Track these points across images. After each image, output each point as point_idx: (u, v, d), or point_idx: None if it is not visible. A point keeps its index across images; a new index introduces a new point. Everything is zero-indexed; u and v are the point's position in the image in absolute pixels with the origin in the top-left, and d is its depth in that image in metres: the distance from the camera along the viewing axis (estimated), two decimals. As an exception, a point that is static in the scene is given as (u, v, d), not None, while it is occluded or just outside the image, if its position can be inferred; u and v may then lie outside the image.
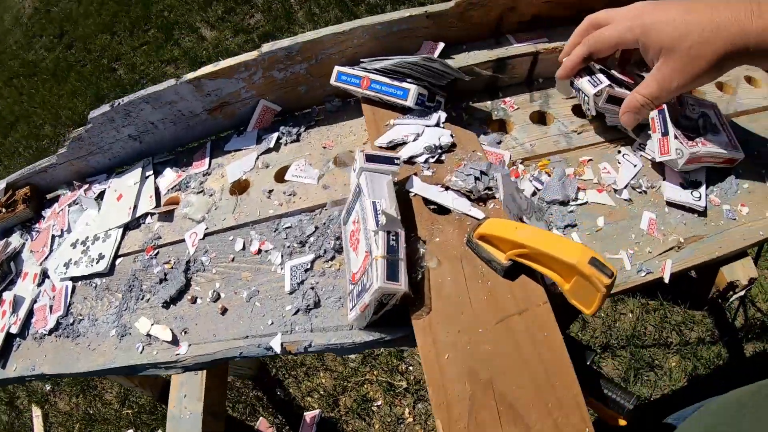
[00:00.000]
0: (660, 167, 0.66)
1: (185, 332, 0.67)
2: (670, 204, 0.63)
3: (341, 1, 2.42)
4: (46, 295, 0.86)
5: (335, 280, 0.61)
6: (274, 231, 0.68)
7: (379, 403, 1.50)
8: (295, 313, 0.60)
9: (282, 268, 0.64)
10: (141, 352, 0.69)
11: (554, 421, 0.43)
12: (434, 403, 0.45)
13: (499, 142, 0.70)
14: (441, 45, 0.75)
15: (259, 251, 0.67)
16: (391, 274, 0.47)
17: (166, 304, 0.71)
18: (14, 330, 0.83)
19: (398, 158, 0.55)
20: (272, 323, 0.61)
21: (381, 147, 0.63)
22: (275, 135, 0.78)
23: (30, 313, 0.86)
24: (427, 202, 0.56)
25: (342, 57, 0.75)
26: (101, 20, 3.11)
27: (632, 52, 0.62)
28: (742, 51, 0.49)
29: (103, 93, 2.70)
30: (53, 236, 0.95)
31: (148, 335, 0.70)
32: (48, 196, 1.04)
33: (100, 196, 0.92)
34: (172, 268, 0.73)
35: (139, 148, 0.89)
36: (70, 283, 0.84)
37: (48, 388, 2.08)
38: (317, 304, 0.60)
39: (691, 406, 0.75)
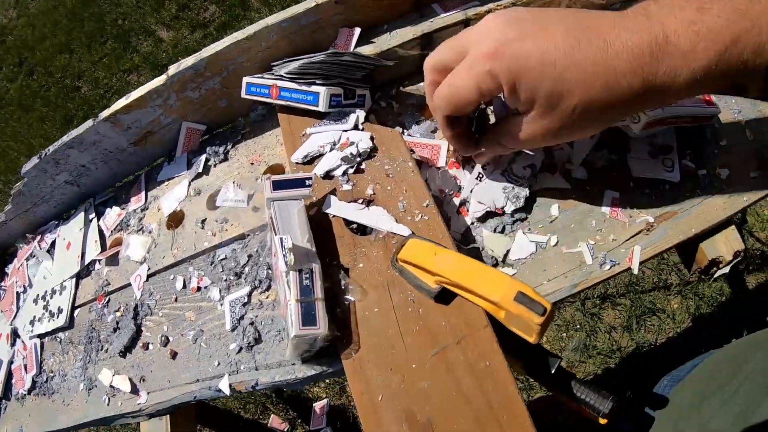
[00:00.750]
0: (622, 136, 0.56)
1: (143, 380, 0.65)
2: (639, 180, 0.55)
3: (295, -19, 2.30)
4: (20, 355, 0.86)
5: (273, 312, 0.57)
6: (211, 264, 0.64)
7: None
8: (239, 351, 0.57)
9: (221, 304, 0.61)
10: (108, 404, 0.68)
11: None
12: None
13: (434, 131, 0.64)
14: (357, 31, 0.68)
15: (198, 288, 0.64)
16: (307, 318, 0.43)
17: (122, 353, 0.69)
18: None
19: (310, 178, 0.50)
20: (219, 364, 0.58)
21: (297, 163, 0.58)
22: (203, 157, 0.73)
23: (9, 375, 0.85)
24: (348, 222, 0.52)
25: (254, 63, 0.69)
26: (57, 40, 3.02)
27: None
28: (655, 100, 0.38)
29: (71, 114, 2.65)
30: (17, 293, 0.94)
31: (111, 386, 0.68)
32: (9, 251, 1.03)
33: (53, 245, 0.89)
34: (122, 315, 0.71)
35: (78, 192, 0.86)
36: (38, 341, 0.83)
37: None
38: (258, 340, 0.56)
39: (685, 365, 0.71)
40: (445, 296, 0.45)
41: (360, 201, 0.52)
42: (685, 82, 0.35)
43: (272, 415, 1.52)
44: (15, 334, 0.89)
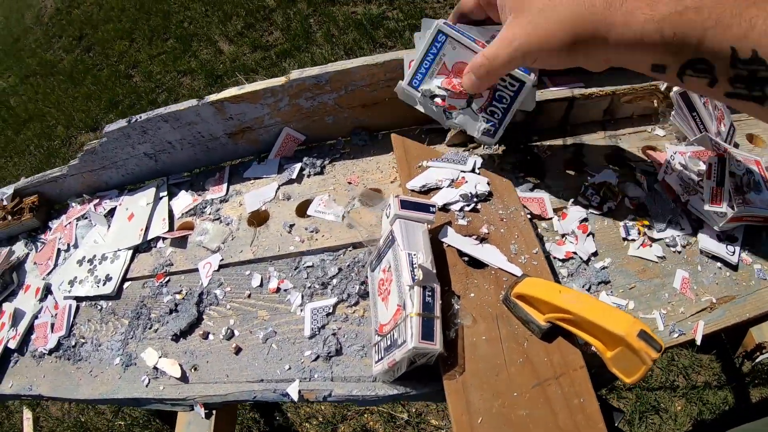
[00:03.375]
0: (697, 220, 0.63)
1: (195, 369, 0.63)
2: (704, 253, 0.61)
3: (360, 24, 2.40)
4: (48, 312, 0.82)
5: (359, 327, 0.56)
6: (295, 269, 0.64)
7: None
8: (315, 359, 0.56)
9: (302, 310, 0.60)
10: (147, 386, 0.64)
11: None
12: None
13: (532, 189, 0.66)
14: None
15: (278, 290, 0.63)
16: (426, 333, 0.43)
17: (176, 337, 0.66)
18: (12, 345, 0.79)
19: (434, 206, 0.51)
20: (290, 368, 0.57)
21: (413, 191, 0.59)
22: (298, 165, 0.74)
23: (30, 329, 0.81)
24: (461, 254, 0.52)
25: (373, 90, 0.71)
26: (121, 26, 3.09)
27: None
28: (598, 38, 0.41)
29: (118, 99, 2.67)
30: (59, 250, 0.91)
31: (155, 368, 0.65)
32: (56, 207, 1.00)
33: (110, 213, 0.87)
34: (183, 299, 0.69)
35: (154, 167, 0.85)
36: (74, 303, 0.79)
37: None
38: (339, 352, 0.55)
39: None
40: (550, 334, 0.47)
41: (474, 237, 0.53)
42: (636, 29, 0.38)
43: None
44: (47, 290, 0.85)
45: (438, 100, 0.60)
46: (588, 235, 0.61)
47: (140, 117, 0.76)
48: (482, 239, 0.53)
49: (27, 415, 1.98)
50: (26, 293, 0.87)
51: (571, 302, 0.43)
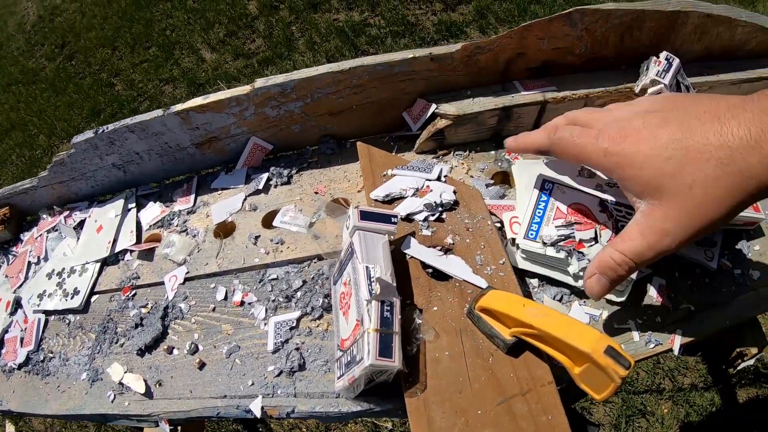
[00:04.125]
0: None
1: (159, 384, 0.62)
2: (681, 258, 0.58)
3: (342, 31, 2.40)
4: (18, 326, 0.81)
5: (323, 341, 0.55)
6: (259, 282, 0.62)
7: None
8: (278, 374, 0.55)
9: (265, 324, 0.59)
10: (112, 401, 0.63)
11: None
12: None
13: (503, 196, 0.65)
14: (433, 107, 0.69)
15: (242, 303, 0.62)
16: (384, 350, 0.41)
17: (141, 352, 0.65)
18: None
19: (396, 216, 0.50)
20: (253, 384, 0.55)
21: (377, 200, 0.58)
22: (265, 175, 0.73)
23: (0, 344, 0.80)
24: (425, 265, 0.51)
25: (339, 97, 0.70)
26: (103, 34, 3.06)
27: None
28: (762, 190, 0.34)
29: (100, 107, 2.65)
30: (29, 263, 0.89)
31: (121, 383, 0.64)
32: (28, 219, 0.99)
33: (80, 224, 0.86)
34: (149, 312, 0.67)
35: (122, 178, 0.84)
36: (42, 317, 0.78)
37: None
38: (302, 367, 0.54)
39: None
40: (516, 348, 0.45)
41: (439, 248, 0.52)
42: None
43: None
44: (17, 304, 0.84)
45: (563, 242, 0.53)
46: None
47: (107, 128, 0.75)
48: (447, 250, 0.52)
49: (10, 428, 1.95)
50: None
51: (536, 317, 0.42)
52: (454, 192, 0.57)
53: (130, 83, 2.68)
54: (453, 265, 0.50)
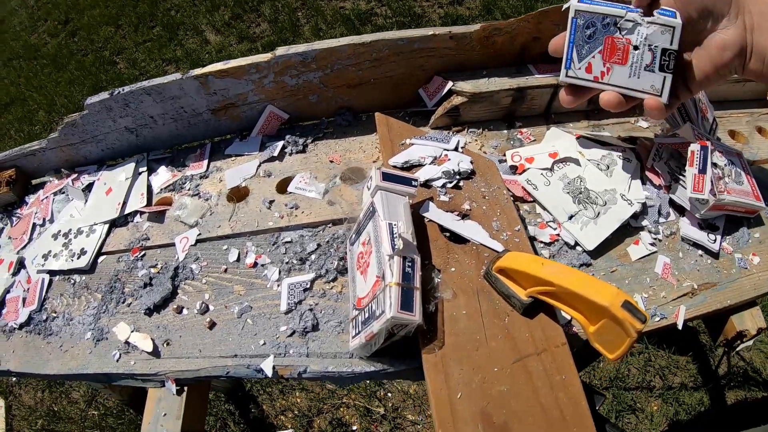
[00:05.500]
0: (679, 209, 0.64)
1: (167, 344, 0.61)
2: (685, 240, 0.62)
3: (348, 19, 2.40)
4: (21, 287, 0.80)
5: (336, 303, 0.56)
6: (273, 244, 0.63)
7: (354, 428, 1.43)
8: (291, 335, 0.55)
9: (279, 285, 0.59)
10: (117, 361, 0.63)
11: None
12: (442, 449, 0.40)
13: (514, 172, 0.66)
14: (449, 84, 0.71)
15: (255, 264, 0.62)
16: (405, 304, 0.42)
17: (149, 312, 0.65)
18: None
19: (416, 180, 0.51)
20: (264, 344, 0.56)
21: (395, 167, 0.58)
22: (280, 143, 0.73)
23: (1, 304, 0.79)
24: (442, 229, 0.52)
25: (358, 70, 0.71)
26: (107, 12, 3.04)
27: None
28: None
29: (102, 85, 2.62)
30: (34, 224, 0.88)
31: (127, 343, 0.63)
32: (33, 182, 0.98)
33: (88, 188, 0.85)
34: (158, 272, 0.67)
35: (134, 142, 0.84)
36: (47, 277, 0.77)
37: (14, 379, 1.97)
38: (315, 327, 0.54)
39: None
40: (532, 309, 0.46)
41: (456, 213, 0.52)
42: None
43: (231, 433, 1.42)
44: (21, 264, 0.83)
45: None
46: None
47: (122, 89, 0.75)
48: (464, 215, 0.53)
49: None
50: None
51: (555, 274, 0.43)
52: (471, 162, 0.58)
53: (133, 62, 2.66)
54: (470, 230, 0.51)
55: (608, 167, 0.63)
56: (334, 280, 0.57)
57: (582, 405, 0.42)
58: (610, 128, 0.73)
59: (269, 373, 0.53)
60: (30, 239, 0.86)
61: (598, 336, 0.42)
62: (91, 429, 1.69)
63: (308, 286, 0.57)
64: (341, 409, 1.45)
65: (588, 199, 0.61)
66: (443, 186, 0.56)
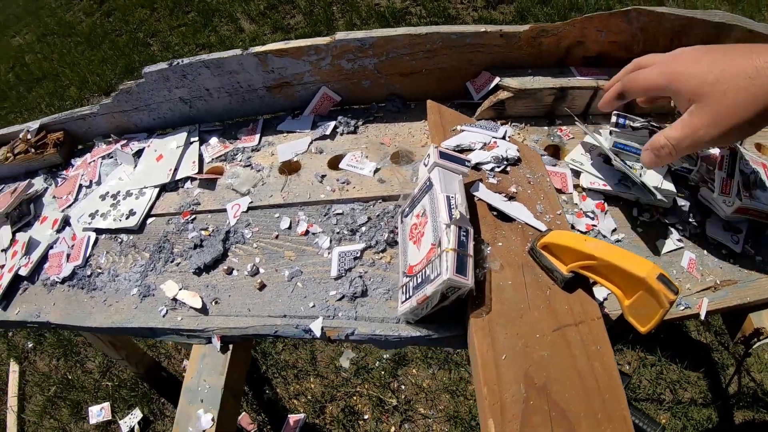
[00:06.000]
0: (705, 208, 0.68)
1: (216, 302, 0.65)
2: (710, 240, 0.66)
3: (383, 16, 2.46)
4: (65, 243, 0.84)
5: (385, 273, 0.60)
6: (324, 215, 0.67)
7: (366, 417, 1.47)
8: (340, 299, 0.59)
9: (329, 253, 0.63)
10: (164, 316, 0.67)
11: (603, 436, 0.42)
12: (488, 403, 0.44)
13: (554, 166, 0.70)
14: (496, 79, 0.75)
15: (307, 232, 0.66)
16: (460, 268, 0.46)
17: (198, 271, 0.69)
18: (24, 272, 0.81)
19: (468, 161, 0.55)
20: (314, 306, 0.60)
21: (447, 149, 0.62)
22: (332, 123, 0.78)
23: (44, 258, 0.83)
24: (491, 208, 0.56)
25: (412, 59, 0.75)
26: (144, -6, 3.13)
27: (660, 99, 0.63)
28: None
29: (134, 66, 2.70)
30: (80, 186, 0.93)
31: (174, 300, 0.67)
32: (80, 147, 1.02)
33: (137, 154, 0.90)
34: (209, 235, 0.71)
35: (187, 113, 0.88)
36: (93, 234, 0.82)
37: (30, 345, 2.02)
38: (364, 293, 0.59)
39: None
40: (571, 284, 0.51)
41: (503, 194, 0.56)
42: None
43: (243, 413, 1.46)
44: (65, 222, 0.87)
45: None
46: (606, 213, 0.65)
47: (182, 60, 0.79)
48: (510, 197, 0.57)
49: (14, 368, 1.98)
50: (42, 224, 0.89)
51: (597, 249, 0.47)
52: (518, 150, 0.62)
53: (167, 45, 2.74)
54: (517, 210, 0.55)
55: (642, 167, 0.68)
56: (383, 251, 0.61)
57: (614, 375, 0.46)
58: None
59: (318, 333, 0.57)
60: (76, 199, 0.90)
61: (633, 309, 0.46)
62: (103, 399, 1.73)
63: (358, 255, 0.61)
64: (354, 397, 1.49)
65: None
66: (492, 170, 0.60)
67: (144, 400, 1.69)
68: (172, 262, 0.72)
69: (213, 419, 0.63)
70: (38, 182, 0.99)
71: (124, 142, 0.93)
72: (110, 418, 1.73)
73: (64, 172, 0.98)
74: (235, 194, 0.75)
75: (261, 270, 0.65)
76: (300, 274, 0.63)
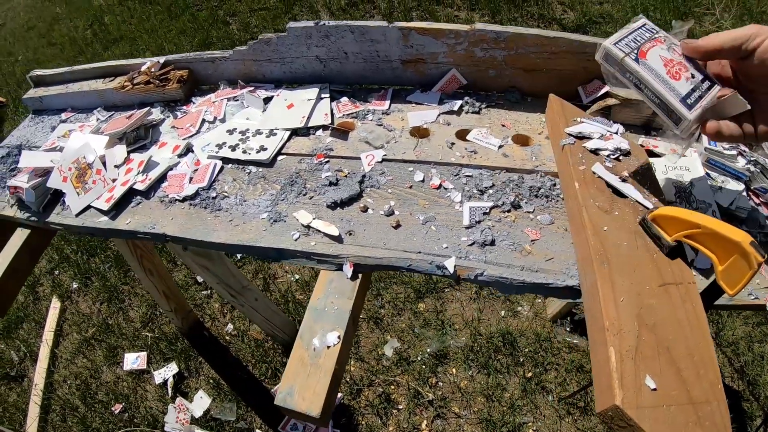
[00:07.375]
0: None
1: (350, 234, 0.79)
2: None
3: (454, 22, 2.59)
4: (186, 166, 0.97)
5: (510, 229, 0.75)
6: (455, 175, 0.82)
7: (400, 407, 1.60)
8: (471, 244, 0.73)
9: (460, 206, 0.77)
10: (296, 240, 0.80)
11: (697, 372, 0.57)
12: (610, 334, 0.58)
13: (650, 169, 0.85)
14: (606, 87, 0.90)
15: (439, 186, 0.80)
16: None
17: (333, 206, 0.82)
18: (140, 187, 0.93)
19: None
20: (447, 247, 0.74)
21: (570, 134, 0.77)
22: (459, 101, 0.93)
23: (162, 178, 0.96)
24: (608, 185, 0.71)
25: (537, 58, 0.90)
26: (228, -27, 3.26)
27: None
28: None
29: (211, 41, 2.84)
30: (204, 120, 1.05)
31: (308, 227, 0.80)
32: (203, 87, 1.15)
33: (266, 101, 1.03)
34: (346, 177, 0.85)
35: (319, 72, 1.02)
36: (219, 162, 0.95)
37: (75, 286, 2.12)
38: (492, 243, 0.73)
39: None
40: (674, 252, 0.66)
41: (618, 176, 0.71)
42: None
43: (279, 385, 1.58)
44: (188, 149, 1.01)
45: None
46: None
47: (329, 22, 0.93)
48: (623, 179, 0.72)
49: (54, 304, 2.09)
50: (161, 149, 1.02)
51: (701, 218, 0.62)
52: (629, 144, 0.77)
53: (245, 25, 2.87)
54: (630, 189, 0.71)
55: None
56: (509, 211, 0.76)
57: (705, 327, 0.61)
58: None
59: (451, 270, 0.71)
60: (198, 131, 1.03)
61: (725, 273, 0.61)
62: (140, 349, 1.85)
63: (487, 211, 0.76)
64: (392, 386, 1.63)
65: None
66: (608, 156, 0.75)
67: (182, 356, 1.79)
68: (304, 195, 0.85)
69: (339, 337, 0.72)
70: (155, 113, 1.11)
71: (251, 88, 1.06)
72: (145, 367, 1.83)
73: (185, 107, 1.11)
74: (368, 147, 0.89)
75: (396, 212, 0.80)
76: (434, 219, 0.77)
